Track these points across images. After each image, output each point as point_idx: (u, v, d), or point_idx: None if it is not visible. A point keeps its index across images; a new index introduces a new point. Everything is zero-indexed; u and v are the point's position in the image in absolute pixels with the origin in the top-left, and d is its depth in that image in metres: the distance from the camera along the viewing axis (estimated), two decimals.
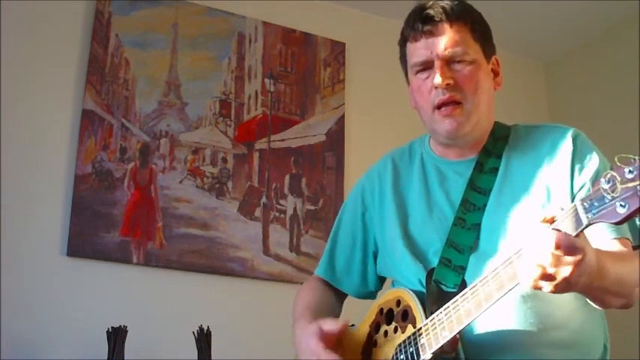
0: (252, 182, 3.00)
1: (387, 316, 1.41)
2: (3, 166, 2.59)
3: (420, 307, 1.32)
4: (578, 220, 1.06)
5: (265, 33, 3.20)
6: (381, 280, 1.65)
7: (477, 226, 1.40)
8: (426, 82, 1.45)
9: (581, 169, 1.39)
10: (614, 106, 3.38)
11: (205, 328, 2.46)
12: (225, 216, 2.90)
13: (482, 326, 1.31)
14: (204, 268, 2.79)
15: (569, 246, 1.06)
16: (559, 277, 1.07)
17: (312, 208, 3.05)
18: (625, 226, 1.31)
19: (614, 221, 1.00)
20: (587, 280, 1.11)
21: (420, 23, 1.45)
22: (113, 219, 2.70)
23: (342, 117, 3.23)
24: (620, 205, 0.99)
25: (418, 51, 1.46)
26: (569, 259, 1.06)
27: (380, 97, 3.32)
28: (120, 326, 2.37)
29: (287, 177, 3.06)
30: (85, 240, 2.63)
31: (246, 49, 3.15)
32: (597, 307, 1.27)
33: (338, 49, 3.32)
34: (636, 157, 0.98)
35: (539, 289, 1.10)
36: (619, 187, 0.99)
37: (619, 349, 1.57)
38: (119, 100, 2.86)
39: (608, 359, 1.39)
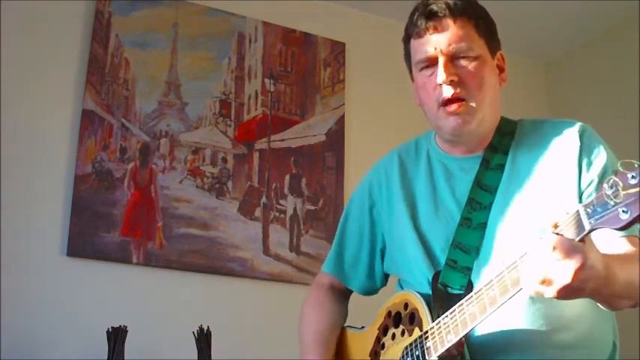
0: (252, 182, 3.00)
1: (394, 319, 1.41)
2: (3, 166, 2.59)
3: (426, 310, 1.32)
4: (580, 225, 1.05)
5: (265, 33, 3.20)
6: (386, 276, 1.64)
7: (483, 225, 1.39)
8: (430, 79, 1.44)
9: (589, 165, 1.37)
10: (614, 106, 3.38)
11: (205, 328, 2.46)
12: (225, 216, 2.90)
13: (490, 327, 1.30)
14: (204, 268, 2.79)
15: (568, 250, 1.05)
16: (559, 283, 1.07)
17: (312, 208, 3.05)
18: None
19: (616, 227, 1.00)
20: (595, 286, 1.10)
21: (423, 19, 1.43)
22: (113, 219, 2.70)
23: (342, 117, 3.23)
24: (623, 210, 0.98)
25: (422, 47, 1.44)
26: (569, 263, 1.05)
27: (380, 97, 3.32)
28: (120, 326, 2.37)
29: (287, 177, 3.06)
30: (85, 240, 2.63)
31: (246, 49, 3.15)
32: (606, 309, 1.26)
33: (338, 49, 3.32)
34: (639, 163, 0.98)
35: (541, 294, 1.09)
36: (622, 192, 0.98)
37: (619, 349, 1.56)
38: (119, 100, 2.86)
39: (618, 358, 1.39)
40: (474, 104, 1.41)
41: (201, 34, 3.07)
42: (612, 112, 3.36)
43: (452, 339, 1.22)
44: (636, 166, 0.98)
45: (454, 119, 1.42)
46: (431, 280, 1.38)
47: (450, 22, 1.42)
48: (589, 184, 1.36)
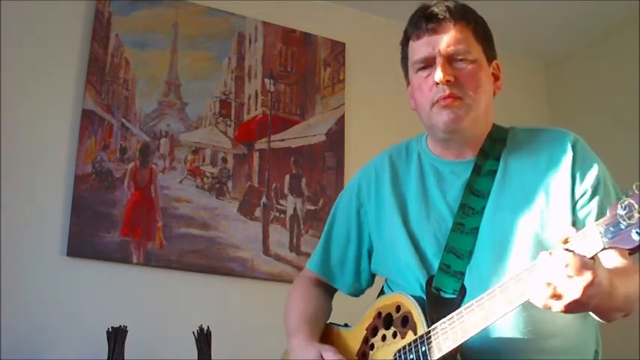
0: (252, 182, 3.00)
1: (385, 320, 1.41)
2: (3, 166, 2.59)
3: (421, 314, 1.32)
4: (592, 243, 1.08)
5: (265, 33, 3.20)
6: (373, 277, 1.64)
7: (476, 230, 1.39)
8: (427, 80, 1.45)
9: (582, 176, 1.39)
10: (614, 106, 3.38)
11: (205, 328, 2.46)
12: (225, 216, 2.90)
13: (482, 333, 1.30)
14: (204, 268, 2.79)
15: (580, 267, 1.08)
16: (569, 298, 1.09)
17: (312, 208, 3.05)
18: None
19: (629, 247, 1.03)
20: (599, 302, 1.13)
21: (423, 21, 1.45)
22: (113, 219, 2.70)
23: (342, 117, 3.23)
24: (636, 232, 1.01)
25: (420, 48, 1.45)
26: (580, 280, 1.08)
27: (380, 97, 3.32)
28: (120, 326, 2.37)
29: (287, 177, 3.06)
30: (85, 240, 2.63)
31: (246, 49, 3.15)
32: (601, 321, 1.29)
33: (338, 49, 3.32)
34: None
35: (549, 308, 1.12)
36: (636, 215, 1.01)
37: (619, 349, 1.56)
38: (119, 100, 2.86)
39: None
40: (468, 102, 1.42)
41: (201, 34, 3.07)
42: (612, 112, 3.37)
43: (450, 345, 1.23)
44: None
45: (447, 113, 1.42)
46: (425, 284, 1.38)
47: (449, 24, 1.43)
48: (583, 195, 1.38)
